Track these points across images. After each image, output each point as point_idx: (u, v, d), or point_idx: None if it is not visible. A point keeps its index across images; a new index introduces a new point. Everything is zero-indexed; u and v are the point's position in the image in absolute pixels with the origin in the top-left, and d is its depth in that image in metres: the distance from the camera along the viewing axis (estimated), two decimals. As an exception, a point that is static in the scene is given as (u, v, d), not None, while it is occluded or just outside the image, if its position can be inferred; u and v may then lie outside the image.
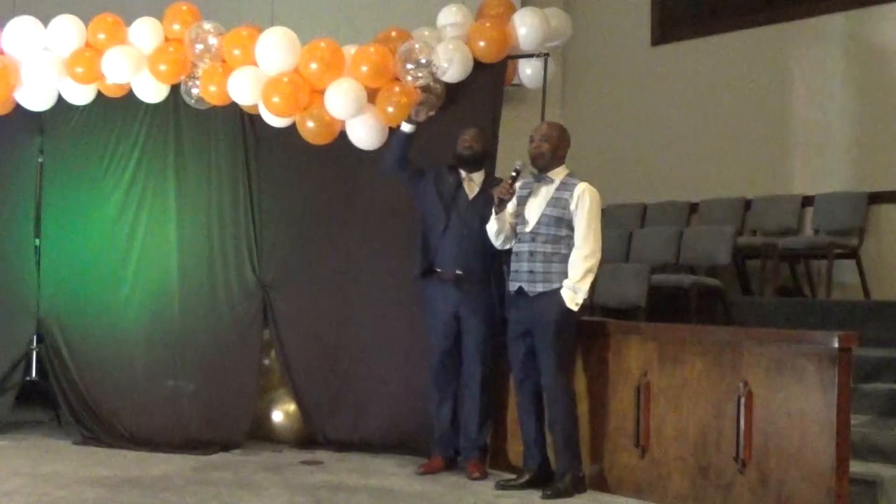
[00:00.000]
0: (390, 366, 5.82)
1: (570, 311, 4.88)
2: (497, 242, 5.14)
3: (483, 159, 5.42)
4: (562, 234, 4.94)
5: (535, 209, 5.01)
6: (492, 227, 5.09)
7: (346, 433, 5.89)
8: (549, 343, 4.88)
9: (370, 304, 5.87)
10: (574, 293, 4.87)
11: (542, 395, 5.04)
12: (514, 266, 5.05)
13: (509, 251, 5.14)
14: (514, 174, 4.97)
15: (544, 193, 5.01)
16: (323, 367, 5.92)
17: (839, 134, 7.78)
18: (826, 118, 7.85)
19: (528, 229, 5.00)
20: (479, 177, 5.41)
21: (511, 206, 5.04)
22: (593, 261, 4.92)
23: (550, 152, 5.03)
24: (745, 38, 8.35)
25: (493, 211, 5.03)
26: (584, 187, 4.97)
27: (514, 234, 5.08)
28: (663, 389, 4.81)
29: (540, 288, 4.93)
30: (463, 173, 5.41)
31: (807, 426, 4.24)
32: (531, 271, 4.95)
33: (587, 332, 5.09)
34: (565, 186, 5.00)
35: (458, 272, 5.29)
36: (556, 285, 4.90)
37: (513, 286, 5.04)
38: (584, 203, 4.92)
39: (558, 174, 5.04)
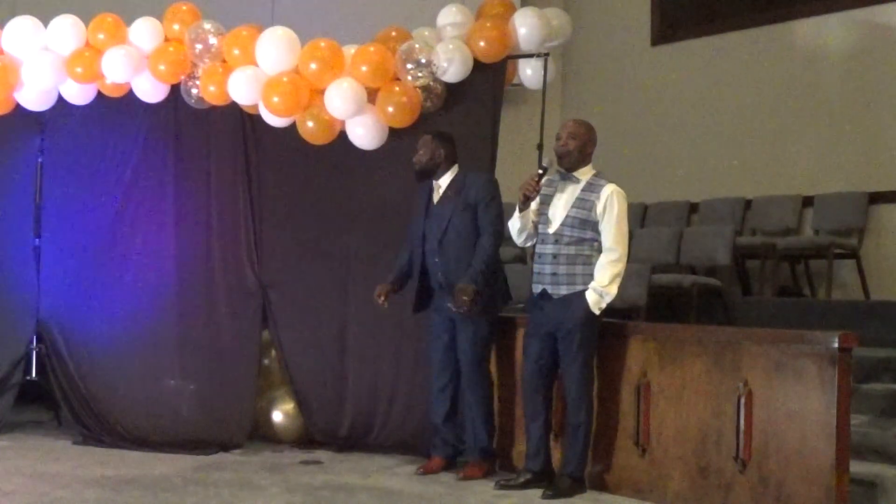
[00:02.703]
0: (390, 366, 5.82)
1: (593, 314, 4.84)
2: (519, 240, 5.09)
3: (435, 168, 5.31)
4: (586, 237, 4.87)
5: (559, 210, 4.93)
6: (514, 224, 5.01)
7: (346, 433, 5.89)
8: (574, 346, 4.84)
9: (370, 303, 5.84)
10: (600, 297, 4.81)
11: (552, 397, 5.03)
12: (536, 268, 4.98)
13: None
14: (540, 171, 4.90)
15: (569, 193, 4.93)
16: (323, 367, 5.92)
17: (839, 134, 7.78)
18: (826, 118, 7.85)
19: (551, 230, 4.93)
20: (445, 180, 5.33)
21: (534, 204, 4.95)
22: (621, 265, 4.86)
23: (577, 150, 4.93)
24: (745, 38, 8.35)
25: (518, 208, 4.95)
26: (611, 189, 4.87)
27: (536, 231, 5.02)
28: (663, 389, 4.81)
29: (564, 291, 4.87)
30: (433, 180, 5.37)
31: (807, 426, 4.23)
32: (554, 273, 4.89)
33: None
34: (592, 187, 4.90)
35: (440, 279, 5.26)
36: (579, 287, 4.85)
37: (536, 288, 4.97)
38: (613, 207, 4.84)
39: (584, 174, 4.95)
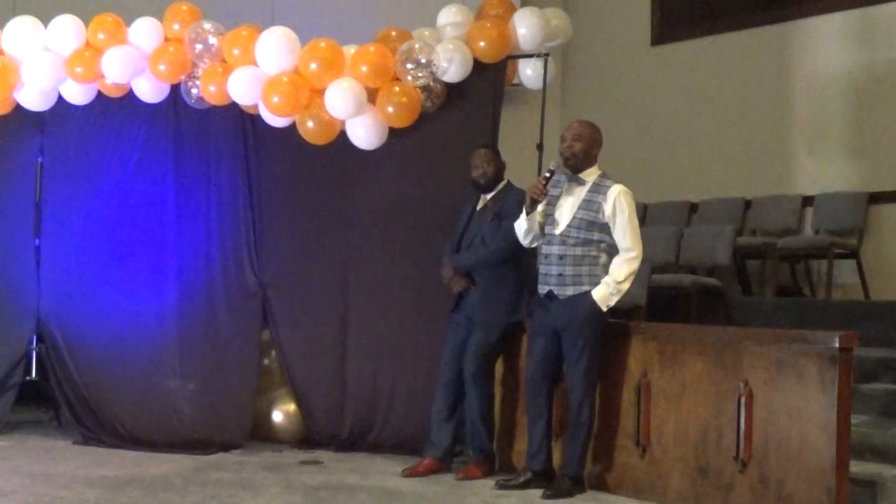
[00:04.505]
0: (390, 366, 5.82)
1: (600, 312, 4.83)
2: (525, 242, 5.07)
3: (498, 178, 5.36)
4: (593, 238, 4.87)
5: (566, 211, 4.92)
6: (521, 226, 4.99)
7: (346, 433, 5.89)
8: (579, 345, 4.84)
9: (369, 303, 5.87)
10: (612, 293, 4.82)
11: (554, 397, 5.02)
12: (543, 269, 4.97)
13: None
14: (547, 174, 4.89)
15: (576, 195, 4.92)
16: (323, 368, 5.92)
17: (839, 134, 7.79)
18: (826, 118, 7.85)
19: (557, 231, 4.92)
20: (492, 192, 5.37)
21: (540, 206, 4.94)
22: (637, 264, 4.87)
23: (583, 152, 4.93)
24: (745, 38, 8.35)
25: (524, 210, 4.94)
26: (618, 190, 4.87)
27: (542, 233, 5.01)
28: (663, 389, 4.81)
29: (570, 291, 4.87)
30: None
31: (807, 426, 4.24)
32: (561, 275, 4.89)
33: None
34: (598, 189, 4.90)
35: (465, 281, 5.30)
36: (586, 288, 4.84)
37: (542, 289, 4.96)
38: (623, 208, 4.84)
39: (590, 175, 4.95)
